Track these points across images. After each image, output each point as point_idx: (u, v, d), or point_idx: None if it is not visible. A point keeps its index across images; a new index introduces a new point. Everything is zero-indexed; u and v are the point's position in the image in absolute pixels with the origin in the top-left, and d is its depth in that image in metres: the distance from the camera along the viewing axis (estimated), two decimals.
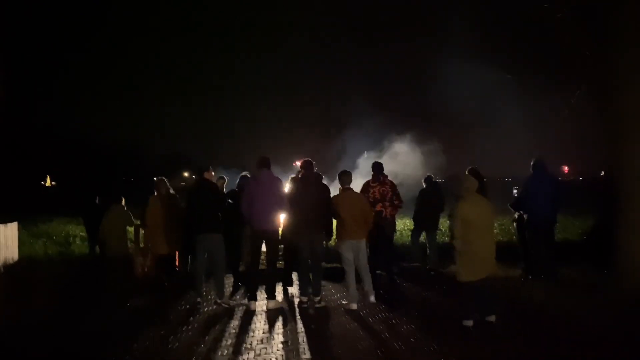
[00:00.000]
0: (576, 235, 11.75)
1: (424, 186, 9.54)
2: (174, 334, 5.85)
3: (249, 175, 8.05)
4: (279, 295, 7.45)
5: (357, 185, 7.71)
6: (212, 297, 7.30)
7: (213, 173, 7.96)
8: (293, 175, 8.28)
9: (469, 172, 8.84)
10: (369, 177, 8.17)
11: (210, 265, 7.28)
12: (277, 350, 5.29)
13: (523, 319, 6.13)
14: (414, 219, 9.67)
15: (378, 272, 8.27)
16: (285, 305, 7.06)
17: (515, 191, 9.53)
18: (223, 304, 7.03)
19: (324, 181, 7.36)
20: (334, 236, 9.18)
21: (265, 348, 5.34)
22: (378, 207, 7.67)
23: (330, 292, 7.72)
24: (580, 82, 8.58)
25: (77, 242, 13.25)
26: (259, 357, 5.07)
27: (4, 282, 9.21)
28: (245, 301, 7.06)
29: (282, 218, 7.46)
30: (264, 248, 7.18)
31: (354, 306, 6.73)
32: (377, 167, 8.07)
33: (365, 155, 15.39)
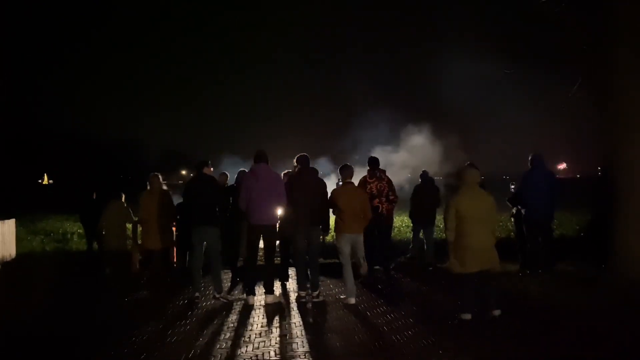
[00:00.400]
0: (573, 231, 11.81)
1: (419, 182, 9.59)
2: (172, 328, 5.86)
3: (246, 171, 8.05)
4: (277, 290, 7.48)
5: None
6: (211, 292, 7.31)
7: (212, 169, 7.98)
8: (286, 171, 8.28)
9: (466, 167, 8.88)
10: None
11: (207, 259, 7.29)
12: (276, 343, 5.30)
13: (520, 313, 6.14)
14: (411, 216, 9.70)
15: (376, 267, 8.30)
16: (283, 300, 7.08)
17: (512, 187, 9.58)
18: (221, 299, 7.04)
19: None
20: (332, 232, 9.22)
21: (264, 341, 5.36)
22: (375, 203, 7.69)
23: (329, 287, 7.75)
24: (578, 77, 8.61)
25: (75, 239, 13.26)
26: (257, 350, 5.08)
27: (2, 278, 9.21)
28: (244, 296, 7.07)
29: (279, 213, 7.46)
30: (261, 244, 7.20)
31: (352, 300, 6.75)
32: (374, 162, 8.08)
33: (379, 148, 15.23)
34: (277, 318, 6.22)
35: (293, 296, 7.27)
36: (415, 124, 14.96)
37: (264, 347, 5.19)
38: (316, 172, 7.28)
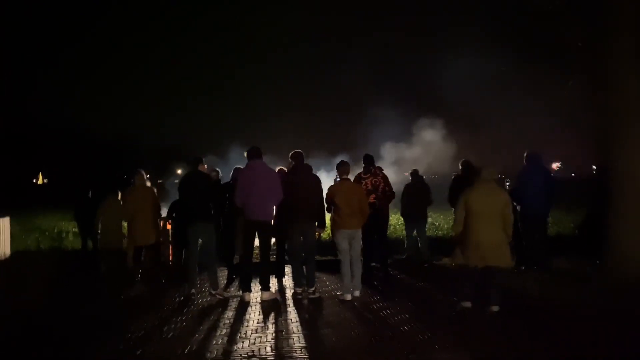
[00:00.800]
0: (568, 229, 11.87)
1: (410, 180, 9.64)
2: (168, 324, 5.85)
3: None
4: (273, 287, 7.47)
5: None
6: (207, 288, 7.30)
7: (206, 166, 7.98)
8: (279, 168, 8.27)
9: (461, 164, 8.92)
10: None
11: (203, 255, 7.29)
12: (272, 339, 5.30)
13: (517, 308, 6.17)
14: (402, 214, 9.71)
15: (373, 264, 8.30)
16: (279, 297, 7.07)
17: (507, 184, 9.62)
18: (217, 295, 7.04)
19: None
20: (328, 230, 9.22)
21: (260, 337, 5.35)
22: (371, 199, 7.68)
23: (325, 283, 7.75)
24: (574, 73, 8.65)
25: (70, 237, 13.20)
26: (253, 346, 5.08)
27: None
28: (240, 293, 7.07)
29: (274, 209, 7.45)
30: (257, 242, 7.19)
31: (348, 297, 6.75)
32: (368, 159, 8.10)
33: (390, 144, 15.08)
34: (273, 314, 6.22)
35: (289, 293, 7.27)
36: (422, 119, 14.74)
37: (260, 342, 5.19)
38: (310, 168, 7.29)
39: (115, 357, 4.87)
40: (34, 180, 57.18)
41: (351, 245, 6.90)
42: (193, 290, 7.18)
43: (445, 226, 13.50)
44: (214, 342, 5.23)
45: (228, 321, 5.97)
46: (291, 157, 7.25)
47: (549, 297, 6.73)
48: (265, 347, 5.04)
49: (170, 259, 9.57)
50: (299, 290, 7.08)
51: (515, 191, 8.43)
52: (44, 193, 34.84)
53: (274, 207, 7.02)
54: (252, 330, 5.60)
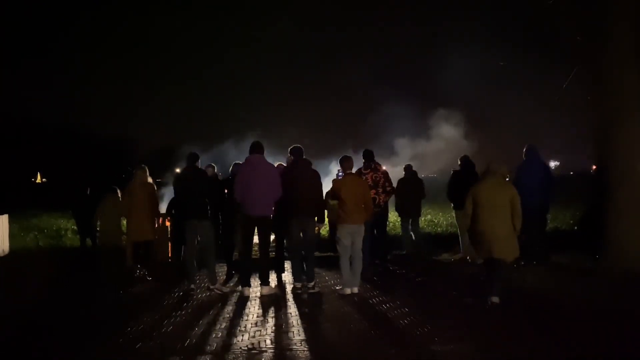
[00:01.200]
0: (567, 225, 11.89)
1: (404, 175, 9.63)
2: (167, 318, 5.84)
3: None
4: (273, 282, 7.47)
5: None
6: (206, 284, 7.30)
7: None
8: (278, 163, 8.27)
9: (460, 159, 8.94)
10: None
11: (201, 252, 7.28)
12: (272, 332, 5.30)
13: (517, 301, 6.19)
14: (397, 209, 9.70)
15: (377, 262, 8.29)
16: (279, 291, 7.07)
17: (507, 179, 9.61)
18: (216, 290, 7.03)
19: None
20: (326, 227, 9.22)
21: (260, 331, 5.35)
22: (372, 194, 7.69)
23: (324, 279, 7.74)
24: (573, 66, 8.67)
25: (69, 235, 13.19)
26: (253, 339, 5.07)
27: None
28: (239, 288, 7.06)
29: (273, 204, 7.43)
30: (256, 239, 7.18)
31: (348, 291, 6.75)
32: (368, 155, 8.10)
33: (404, 139, 14.91)
34: (273, 308, 6.21)
35: (289, 288, 7.27)
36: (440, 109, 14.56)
37: (259, 336, 5.18)
38: (310, 163, 7.27)
39: (114, 352, 4.85)
40: (33, 180, 57.07)
41: (353, 241, 6.89)
42: (192, 286, 7.17)
43: (444, 223, 13.51)
44: (214, 335, 5.23)
45: (228, 315, 5.96)
46: (290, 152, 7.25)
47: (549, 291, 6.74)
48: (265, 340, 5.04)
49: (170, 255, 9.57)
50: (299, 285, 7.08)
51: (514, 185, 8.43)
52: (43, 192, 34.77)
53: (273, 203, 7.00)
54: (251, 324, 5.60)
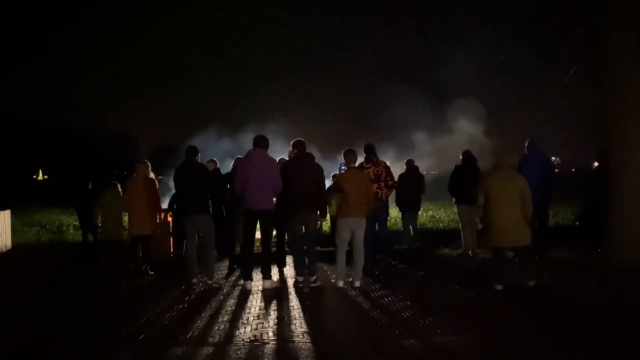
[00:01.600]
0: (568, 221, 11.90)
1: (405, 169, 9.64)
2: (169, 311, 5.86)
3: None
4: (275, 276, 7.49)
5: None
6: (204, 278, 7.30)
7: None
8: (280, 157, 8.28)
9: (462, 154, 8.94)
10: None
11: (200, 246, 7.29)
12: (274, 324, 5.31)
13: (517, 295, 6.20)
14: (397, 203, 9.70)
15: (378, 256, 8.31)
16: (280, 285, 7.08)
17: None
18: (214, 285, 7.05)
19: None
20: (328, 223, 9.23)
21: (262, 323, 5.36)
22: (374, 188, 7.70)
23: (326, 273, 7.76)
24: (574, 61, 8.68)
25: (70, 230, 13.23)
26: (255, 331, 5.08)
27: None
28: (241, 281, 7.08)
29: (274, 198, 7.43)
30: (258, 235, 7.19)
31: (340, 284, 6.78)
32: (369, 149, 8.10)
33: (421, 134, 14.73)
34: (275, 302, 6.23)
35: (290, 282, 7.29)
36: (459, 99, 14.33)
37: (262, 328, 5.20)
38: (313, 157, 7.26)
39: (117, 343, 4.87)
40: (34, 177, 57.12)
41: (354, 234, 6.90)
42: (194, 280, 7.18)
43: (446, 219, 13.53)
44: (216, 327, 5.24)
45: (230, 308, 5.98)
46: (292, 146, 7.24)
47: (549, 284, 6.74)
48: (267, 332, 5.05)
49: (172, 250, 9.60)
50: (300, 279, 7.09)
51: None
52: (44, 189, 34.81)
53: (273, 197, 7.00)
54: (253, 316, 5.61)
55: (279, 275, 7.74)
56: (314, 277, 7.03)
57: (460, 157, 9.01)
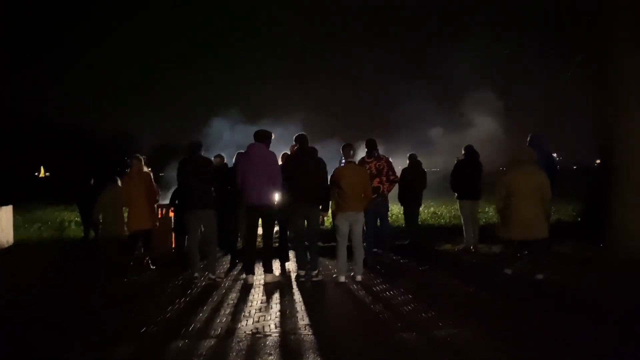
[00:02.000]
0: (570, 216, 11.88)
1: (408, 164, 9.61)
2: (171, 305, 5.86)
3: None
4: (277, 270, 7.48)
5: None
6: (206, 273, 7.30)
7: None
8: (284, 152, 8.27)
9: (464, 149, 8.92)
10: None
11: (202, 241, 7.28)
12: (276, 317, 5.31)
13: (522, 289, 6.20)
14: (399, 198, 9.67)
15: (375, 250, 8.30)
16: (282, 279, 7.08)
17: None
18: (216, 279, 7.05)
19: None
20: (329, 219, 9.22)
21: (264, 316, 5.36)
22: (375, 183, 7.69)
23: (327, 267, 7.75)
24: (578, 53, 8.66)
25: (72, 226, 13.23)
26: (257, 324, 5.08)
27: (1, 264, 9.18)
28: (243, 276, 7.08)
29: (276, 193, 7.41)
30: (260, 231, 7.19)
31: (342, 279, 6.77)
32: (371, 144, 8.09)
33: (438, 130, 14.56)
34: (276, 295, 6.23)
35: (292, 276, 7.29)
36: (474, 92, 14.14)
37: (264, 321, 5.20)
38: (315, 151, 7.25)
39: (119, 336, 4.87)
40: (36, 174, 57.18)
41: (352, 229, 6.89)
42: (196, 274, 7.18)
43: (447, 215, 13.51)
44: (218, 320, 5.24)
45: (232, 302, 5.98)
46: (295, 140, 7.22)
47: (551, 278, 6.72)
48: (269, 325, 5.05)
49: (173, 246, 9.59)
50: (302, 273, 7.09)
51: None
52: (46, 186, 34.84)
53: (273, 191, 6.98)
54: (255, 309, 5.62)
55: (281, 269, 7.73)
56: (316, 272, 7.03)
57: (463, 152, 8.99)
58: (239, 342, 4.61)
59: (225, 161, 8.87)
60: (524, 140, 8.40)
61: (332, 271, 7.49)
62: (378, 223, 8.23)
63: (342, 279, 6.79)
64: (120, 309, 5.83)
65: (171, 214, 9.61)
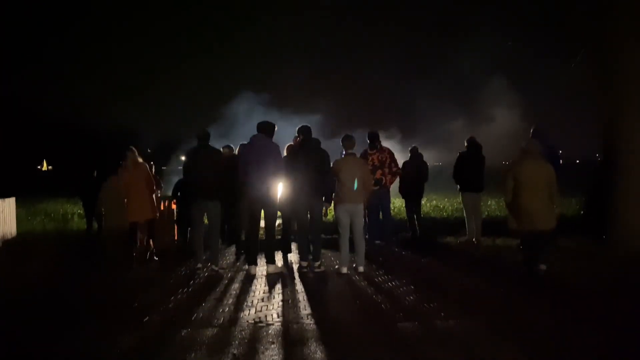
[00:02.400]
0: (573, 211, 11.84)
1: (410, 157, 9.59)
2: (174, 295, 5.89)
3: None
4: (279, 261, 7.50)
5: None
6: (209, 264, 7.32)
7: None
8: (288, 144, 8.26)
9: (467, 141, 8.90)
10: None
11: (206, 232, 7.29)
12: (278, 307, 5.33)
13: (523, 282, 6.21)
14: (400, 191, 9.66)
15: (377, 242, 8.32)
16: (285, 270, 7.11)
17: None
18: (219, 270, 7.07)
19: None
20: (331, 212, 9.22)
21: (266, 305, 5.39)
22: (378, 175, 7.69)
23: (330, 259, 7.77)
24: (580, 48, 8.63)
25: (75, 219, 13.28)
26: (260, 313, 5.11)
27: (4, 255, 9.22)
28: (245, 266, 7.10)
29: (279, 185, 7.42)
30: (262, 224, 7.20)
31: (344, 270, 6.78)
32: (373, 136, 8.09)
33: (458, 123, 14.52)
34: (279, 286, 6.25)
35: (294, 267, 7.31)
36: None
37: (266, 310, 5.22)
38: (319, 142, 7.24)
39: (122, 325, 4.90)
40: (38, 167, 57.33)
41: (353, 221, 6.90)
42: (199, 265, 7.20)
43: (450, 208, 13.51)
44: (221, 310, 5.27)
45: (234, 292, 6.00)
46: (298, 132, 7.21)
47: (555, 270, 6.73)
48: (272, 314, 5.07)
49: (176, 238, 9.62)
50: (305, 264, 7.11)
51: None
52: (49, 180, 34.95)
53: (274, 183, 6.98)
54: (258, 299, 5.64)
55: (284, 260, 7.75)
56: (318, 263, 7.04)
57: (465, 144, 8.97)
58: (241, 330, 4.63)
59: (234, 152, 8.85)
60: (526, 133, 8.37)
61: (335, 262, 7.51)
62: (380, 216, 8.24)
63: (344, 270, 6.80)
64: (122, 298, 5.85)
65: (173, 206, 9.64)
